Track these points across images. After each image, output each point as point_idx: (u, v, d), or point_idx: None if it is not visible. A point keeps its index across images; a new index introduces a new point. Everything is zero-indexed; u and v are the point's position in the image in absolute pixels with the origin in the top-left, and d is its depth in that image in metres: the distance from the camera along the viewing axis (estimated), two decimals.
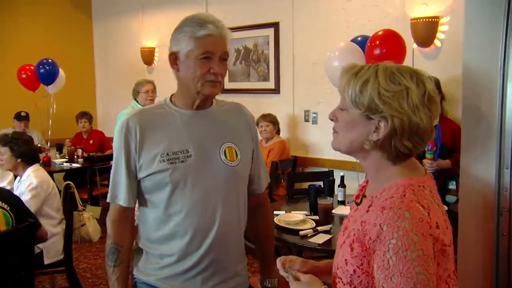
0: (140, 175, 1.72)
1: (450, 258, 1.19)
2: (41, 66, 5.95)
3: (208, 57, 1.64)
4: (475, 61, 1.88)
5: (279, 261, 1.47)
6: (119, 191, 1.74)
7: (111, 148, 6.38)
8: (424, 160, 3.59)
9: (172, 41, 1.71)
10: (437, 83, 3.72)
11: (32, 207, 3.29)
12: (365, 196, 1.34)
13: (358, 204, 1.34)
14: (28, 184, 3.44)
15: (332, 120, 1.33)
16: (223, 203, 1.73)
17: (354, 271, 1.19)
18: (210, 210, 1.71)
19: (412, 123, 1.17)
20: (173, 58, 1.70)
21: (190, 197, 1.69)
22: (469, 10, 1.89)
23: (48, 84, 6.07)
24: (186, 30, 1.65)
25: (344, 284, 1.23)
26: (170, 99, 1.80)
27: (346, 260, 1.21)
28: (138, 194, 1.76)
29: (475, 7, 1.86)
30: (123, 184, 1.72)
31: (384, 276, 1.09)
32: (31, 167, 3.54)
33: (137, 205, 1.81)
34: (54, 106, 6.34)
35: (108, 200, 1.78)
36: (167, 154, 1.67)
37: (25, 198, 3.32)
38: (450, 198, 3.51)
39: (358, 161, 1.32)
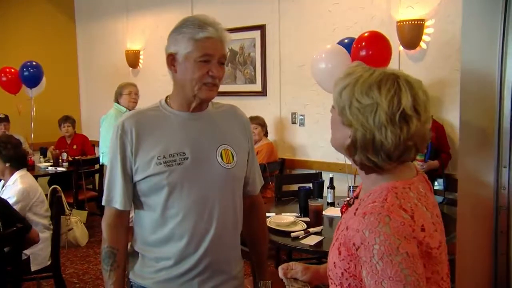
0: (136, 177, 1.70)
1: (441, 261, 1.19)
2: (25, 69, 5.82)
3: (207, 60, 1.63)
4: (473, 62, 1.89)
5: (281, 269, 1.47)
6: (114, 194, 1.72)
7: (94, 153, 6.34)
8: (414, 162, 3.63)
9: (170, 41, 1.69)
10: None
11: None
12: (357, 197, 1.34)
13: (350, 205, 1.34)
14: (15, 189, 3.37)
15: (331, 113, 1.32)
16: (220, 205, 1.72)
17: (342, 273, 1.20)
18: (207, 213, 1.70)
19: (375, 140, 1.15)
20: (171, 59, 1.68)
21: (187, 200, 1.67)
22: (466, 11, 1.91)
23: (32, 87, 5.95)
24: (185, 31, 1.63)
25: (336, 285, 1.24)
26: (166, 101, 1.78)
27: (334, 262, 1.22)
28: (134, 197, 1.74)
29: (472, 8, 1.88)
30: (118, 187, 1.70)
31: (375, 282, 1.09)
32: (18, 171, 3.47)
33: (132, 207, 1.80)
34: (34, 109, 6.19)
35: (103, 203, 1.75)
36: (164, 157, 1.66)
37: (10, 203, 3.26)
38: (437, 198, 3.54)
39: (350, 163, 1.31)
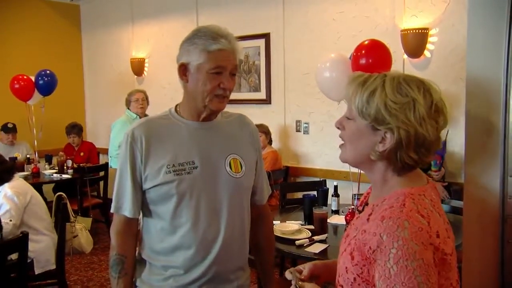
0: (146, 186, 1.71)
1: (452, 267, 1.19)
2: (39, 78, 5.95)
3: (219, 72, 1.64)
4: (478, 70, 1.90)
5: (288, 272, 1.47)
6: (123, 202, 1.73)
7: (98, 161, 6.42)
8: (430, 172, 3.71)
9: (182, 51, 1.69)
10: None
11: (13, 219, 3.22)
12: (367, 204, 1.34)
13: (360, 212, 1.34)
14: (3, 195, 3.30)
15: (338, 128, 1.31)
16: (228, 214, 1.72)
17: (355, 279, 1.20)
18: (216, 222, 1.71)
19: (418, 135, 1.17)
20: (183, 69, 1.68)
21: (195, 209, 1.68)
22: (471, 19, 1.92)
23: (46, 95, 6.06)
24: (197, 42, 1.63)
25: None
26: (176, 110, 1.79)
27: (346, 268, 1.22)
28: (142, 204, 1.75)
29: (477, 16, 1.89)
30: (128, 194, 1.71)
31: (386, 286, 1.09)
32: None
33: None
34: (34, 118, 6.28)
35: (112, 210, 1.76)
36: (173, 166, 1.67)
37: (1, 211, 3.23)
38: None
39: (354, 171, 1.32)
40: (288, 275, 1.44)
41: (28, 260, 3.27)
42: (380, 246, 1.11)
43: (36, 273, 3.42)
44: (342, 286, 1.25)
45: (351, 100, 1.25)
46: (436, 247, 1.11)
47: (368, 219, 1.19)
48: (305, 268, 1.46)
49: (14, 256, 3.02)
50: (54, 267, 3.51)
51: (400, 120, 1.17)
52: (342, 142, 1.32)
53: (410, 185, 1.22)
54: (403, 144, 1.18)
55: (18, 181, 3.50)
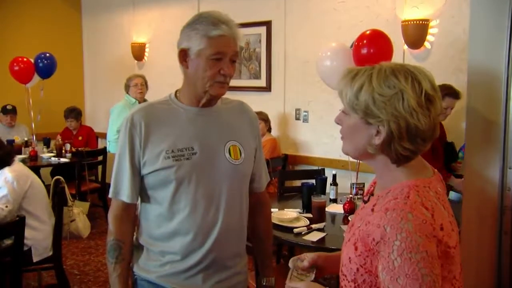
0: (144, 171, 1.71)
1: (456, 260, 1.19)
2: (39, 60, 5.92)
3: (220, 58, 1.63)
4: (480, 61, 1.90)
5: (291, 260, 1.48)
6: (122, 187, 1.72)
7: (96, 146, 6.41)
8: (454, 164, 3.86)
9: (182, 37, 1.68)
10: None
11: (10, 204, 3.18)
12: (373, 194, 1.34)
13: (365, 202, 1.34)
14: (3, 179, 3.25)
15: (338, 124, 1.31)
16: (226, 201, 1.73)
17: (357, 269, 1.20)
18: (214, 209, 1.71)
19: (410, 126, 1.16)
20: (183, 54, 1.67)
21: (194, 195, 1.68)
22: (474, 11, 1.91)
23: (45, 77, 6.04)
24: (198, 28, 1.62)
25: (348, 282, 1.24)
26: (176, 95, 1.79)
27: (350, 258, 1.22)
28: (141, 190, 1.75)
29: (479, 8, 1.89)
30: (126, 179, 1.71)
31: (390, 278, 1.10)
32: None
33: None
34: (31, 101, 6.26)
35: (110, 195, 1.76)
36: (172, 151, 1.67)
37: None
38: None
39: (353, 160, 1.32)
40: (290, 263, 1.45)
41: (26, 248, 3.24)
42: (383, 238, 1.11)
43: (35, 260, 3.39)
44: (345, 275, 1.26)
45: (342, 96, 1.25)
46: (440, 240, 1.12)
47: (372, 210, 1.19)
48: (306, 258, 1.46)
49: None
50: (51, 253, 3.49)
51: (390, 112, 1.16)
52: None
53: (415, 176, 1.22)
54: (395, 136, 1.17)
55: (18, 165, 3.46)
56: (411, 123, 1.15)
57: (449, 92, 3.66)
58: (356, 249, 1.20)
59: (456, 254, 1.20)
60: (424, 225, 1.10)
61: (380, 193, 1.25)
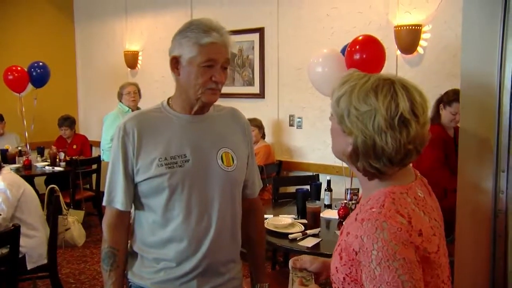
0: (137, 179, 1.71)
1: (440, 264, 1.19)
2: (33, 69, 5.92)
3: (211, 65, 1.64)
4: (473, 68, 1.91)
5: (291, 262, 1.49)
6: (115, 194, 1.73)
7: (91, 154, 6.39)
8: None
9: (174, 44, 1.69)
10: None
11: (3, 213, 3.17)
12: (358, 203, 1.36)
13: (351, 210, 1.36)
14: None
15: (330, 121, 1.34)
16: (219, 208, 1.73)
17: (344, 278, 1.22)
18: (207, 215, 1.72)
19: (376, 146, 1.16)
20: (175, 62, 1.69)
21: (187, 202, 1.69)
22: (466, 17, 1.93)
23: (38, 86, 6.02)
24: (190, 36, 1.63)
25: None
26: (168, 103, 1.79)
27: (336, 267, 1.24)
28: (134, 197, 1.76)
29: (472, 13, 1.91)
30: (120, 187, 1.72)
31: (373, 286, 1.11)
32: None
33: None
34: (24, 110, 6.18)
35: (104, 203, 1.76)
36: (165, 159, 1.67)
37: None
38: None
39: (347, 165, 1.32)
40: (290, 263, 1.46)
41: (20, 255, 3.23)
42: (362, 248, 1.13)
43: (29, 268, 3.38)
44: (335, 283, 1.27)
45: (331, 97, 1.26)
46: (417, 246, 1.12)
47: (356, 219, 1.20)
48: (306, 261, 1.47)
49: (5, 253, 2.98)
50: (46, 261, 3.48)
51: (360, 128, 1.17)
52: None
53: (393, 183, 1.22)
54: (360, 151, 1.18)
55: (11, 174, 3.47)
56: (377, 143, 1.15)
57: (458, 97, 3.63)
58: (341, 258, 1.21)
59: (439, 258, 1.19)
60: (399, 233, 1.10)
61: (363, 201, 1.27)
